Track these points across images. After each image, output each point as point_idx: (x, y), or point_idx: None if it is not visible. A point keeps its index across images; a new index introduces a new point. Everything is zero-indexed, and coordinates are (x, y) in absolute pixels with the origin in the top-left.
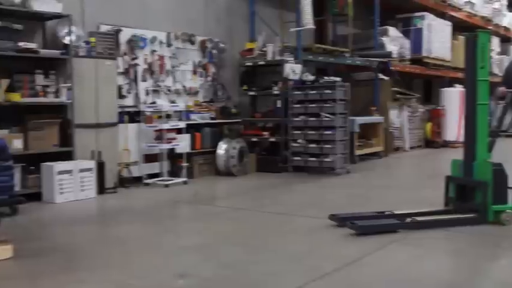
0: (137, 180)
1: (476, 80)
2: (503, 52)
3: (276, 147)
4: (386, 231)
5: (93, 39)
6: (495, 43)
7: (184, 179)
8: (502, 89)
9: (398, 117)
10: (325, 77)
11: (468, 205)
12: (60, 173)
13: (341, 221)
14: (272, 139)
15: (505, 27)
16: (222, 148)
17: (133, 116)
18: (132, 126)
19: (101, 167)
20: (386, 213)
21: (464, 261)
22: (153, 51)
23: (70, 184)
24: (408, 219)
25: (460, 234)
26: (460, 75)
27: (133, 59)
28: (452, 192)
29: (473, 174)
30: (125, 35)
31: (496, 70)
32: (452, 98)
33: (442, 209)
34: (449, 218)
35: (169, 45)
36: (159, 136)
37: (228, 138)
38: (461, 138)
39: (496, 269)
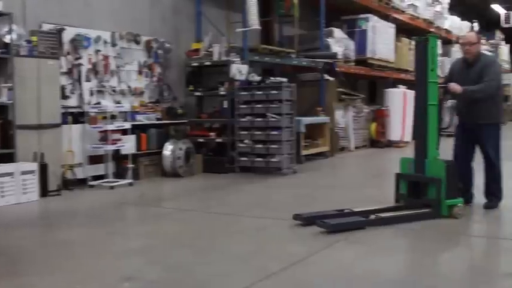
0: (82, 182)
1: (427, 82)
2: (445, 54)
3: (223, 147)
4: (355, 228)
5: (35, 38)
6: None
7: (130, 181)
8: (453, 85)
9: (343, 117)
10: (272, 78)
11: (421, 201)
12: (1, 175)
13: (306, 220)
14: (219, 140)
15: (446, 29)
16: (168, 149)
17: (78, 117)
18: (76, 127)
19: (43, 169)
20: (346, 211)
21: (409, 258)
22: (97, 51)
23: (11, 187)
24: (372, 216)
25: (406, 231)
26: (403, 76)
27: (77, 58)
28: (403, 188)
29: (426, 171)
30: (68, 34)
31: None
32: (396, 98)
33: (394, 206)
34: (408, 213)
35: (114, 45)
36: (104, 137)
37: (174, 139)
38: (405, 138)
39: (439, 265)
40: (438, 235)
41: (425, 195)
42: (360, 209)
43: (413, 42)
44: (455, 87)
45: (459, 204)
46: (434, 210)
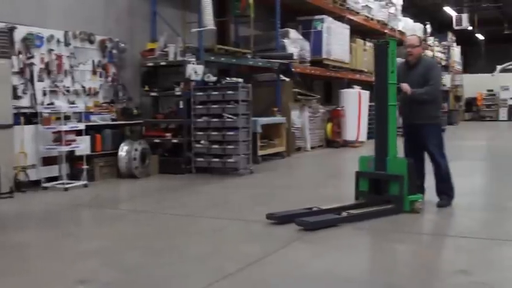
0: (35, 184)
1: (387, 83)
2: (399, 55)
3: (179, 148)
4: (331, 226)
5: None
6: None
7: (85, 182)
8: (405, 86)
9: (299, 117)
10: (228, 78)
11: (382, 197)
12: None
13: (279, 219)
14: (175, 140)
15: (399, 31)
16: (123, 150)
17: (30, 118)
18: (29, 128)
19: None
20: (314, 209)
21: (364, 256)
22: (50, 50)
23: None
24: (344, 213)
25: (361, 230)
26: (358, 76)
27: (29, 58)
28: (363, 186)
29: (387, 169)
30: (19, 33)
31: None
32: (351, 98)
33: (357, 203)
34: (377, 209)
35: (67, 44)
36: (58, 138)
37: (130, 140)
38: (361, 138)
39: (393, 263)
40: (392, 233)
41: (386, 191)
42: (327, 207)
43: (368, 44)
44: (407, 88)
45: (419, 200)
46: (397, 206)
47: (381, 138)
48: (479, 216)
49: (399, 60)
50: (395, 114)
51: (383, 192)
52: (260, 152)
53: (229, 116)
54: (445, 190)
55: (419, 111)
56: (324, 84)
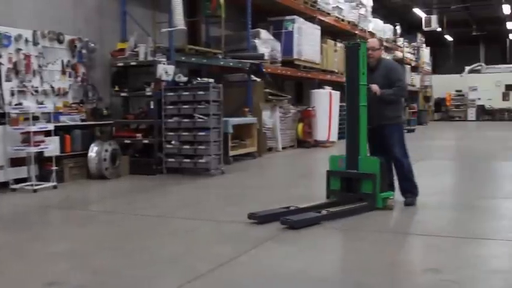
0: (3, 186)
1: (358, 85)
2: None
3: (150, 149)
4: (313, 224)
5: None
6: None
7: (54, 183)
8: (375, 86)
9: (270, 118)
10: (199, 78)
11: (355, 195)
12: None
13: (261, 218)
14: (145, 141)
15: (370, 32)
16: (93, 150)
17: None
18: None
19: None
20: (292, 208)
21: (335, 256)
22: (18, 50)
23: None
24: (324, 211)
25: (331, 230)
26: (329, 77)
27: None
28: (334, 185)
29: (359, 168)
30: None
31: None
32: (322, 99)
33: (329, 201)
34: (353, 207)
35: (35, 43)
36: (26, 139)
37: (100, 141)
38: (332, 138)
39: (364, 262)
40: (364, 232)
41: (358, 190)
42: (304, 206)
43: (339, 44)
44: (377, 88)
45: (391, 197)
46: (370, 203)
47: (353, 138)
48: (449, 215)
49: None
50: (365, 114)
51: (355, 191)
52: (231, 153)
53: (200, 116)
54: (410, 188)
55: (382, 112)
56: (295, 85)
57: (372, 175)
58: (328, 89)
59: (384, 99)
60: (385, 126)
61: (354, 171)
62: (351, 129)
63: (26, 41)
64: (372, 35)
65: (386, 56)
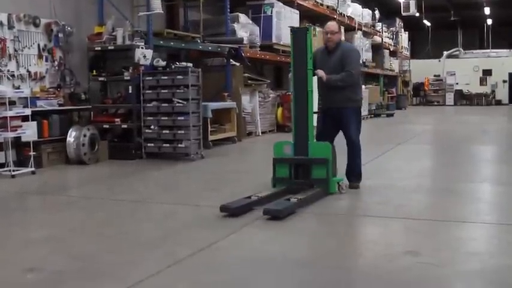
0: None
1: (307, 69)
2: (348, 40)
3: (129, 133)
4: (292, 213)
5: None
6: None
7: (32, 169)
8: (321, 72)
9: (250, 102)
10: (177, 63)
11: (306, 182)
12: None
13: (233, 210)
14: (124, 126)
15: (349, 16)
16: (71, 136)
17: None
18: None
19: None
20: (253, 197)
21: (312, 240)
22: None
23: None
24: (294, 199)
25: (303, 215)
26: None
27: None
28: (281, 172)
29: (309, 153)
30: None
31: None
32: None
33: (281, 189)
34: (315, 193)
35: (11, 27)
36: (3, 124)
37: (78, 126)
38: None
39: (341, 246)
40: (335, 216)
41: (309, 176)
42: (265, 194)
43: (318, 29)
44: (322, 74)
45: (342, 181)
46: (324, 188)
47: (301, 124)
48: (427, 198)
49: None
50: (312, 100)
51: (305, 177)
52: (211, 137)
53: (179, 101)
54: (357, 171)
55: (338, 95)
56: (274, 69)
57: (324, 160)
58: None
59: (331, 85)
60: (343, 109)
61: (304, 157)
62: (299, 115)
63: (1, 24)
64: (351, 19)
65: (365, 41)
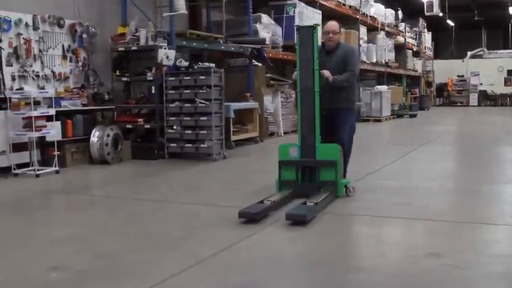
0: (6, 171)
1: (314, 69)
2: (370, 41)
3: (152, 133)
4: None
5: None
6: (362, 32)
7: (56, 168)
8: (327, 72)
9: (272, 102)
10: (200, 63)
11: (314, 185)
12: None
13: (252, 216)
14: (147, 126)
15: (371, 16)
16: (95, 135)
17: None
18: None
19: None
20: (266, 201)
21: (337, 241)
22: (18, 35)
23: None
24: (311, 203)
25: (325, 214)
26: None
27: None
28: (287, 175)
29: (317, 155)
30: None
31: (364, 58)
32: None
33: (289, 192)
34: (327, 197)
35: (36, 28)
36: (28, 124)
37: (102, 126)
38: None
39: (364, 247)
40: (351, 218)
41: (317, 178)
42: (277, 198)
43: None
44: (329, 74)
45: (349, 184)
46: (333, 191)
47: (308, 125)
48: (450, 199)
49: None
50: (319, 100)
51: (313, 180)
52: (233, 138)
53: (202, 101)
54: (343, 171)
55: (337, 95)
56: None
57: (333, 162)
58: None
59: (336, 85)
60: (339, 110)
61: (312, 160)
62: (305, 116)
63: (26, 25)
64: (374, 19)
65: (388, 41)
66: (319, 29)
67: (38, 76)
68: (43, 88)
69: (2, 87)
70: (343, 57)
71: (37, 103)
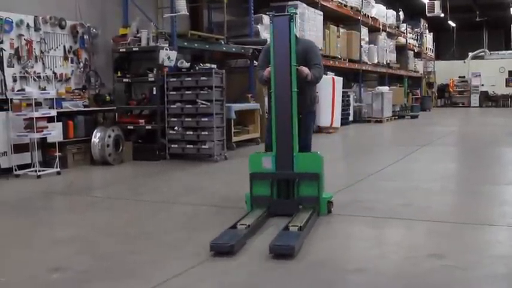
0: (7, 172)
1: (291, 65)
2: (371, 42)
3: (153, 134)
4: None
5: None
6: (364, 33)
7: (58, 169)
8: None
9: None
10: (201, 64)
11: (292, 202)
12: None
13: (228, 249)
14: (148, 127)
15: (373, 17)
16: (96, 136)
17: (0, 104)
18: None
19: None
20: (239, 226)
21: (334, 242)
22: (20, 35)
23: None
24: (293, 228)
25: (326, 216)
26: (331, 63)
27: None
28: (259, 190)
29: (295, 167)
30: None
31: (365, 59)
32: (325, 85)
33: (264, 211)
34: (310, 216)
35: (37, 29)
36: (29, 125)
37: (103, 127)
38: (335, 124)
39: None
40: (352, 218)
41: (296, 193)
42: (251, 222)
43: (342, 30)
44: (308, 71)
45: (332, 198)
46: (315, 208)
47: (284, 131)
48: (452, 200)
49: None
50: (297, 102)
51: (291, 195)
52: (234, 139)
53: (203, 102)
54: None
55: (301, 98)
56: None
57: (314, 175)
58: (331, 75)
59: (312, 82)
60: (303, 113)
61: (290, 172)
62: (281, 121)
63: (28, 26)
64: (375, 20)
65: (389, 42)
66: (297, 18)
67: (39, 77)
68: (44, 89)
69: (4, 88)
70: (304, 52)
71: (38, 104)
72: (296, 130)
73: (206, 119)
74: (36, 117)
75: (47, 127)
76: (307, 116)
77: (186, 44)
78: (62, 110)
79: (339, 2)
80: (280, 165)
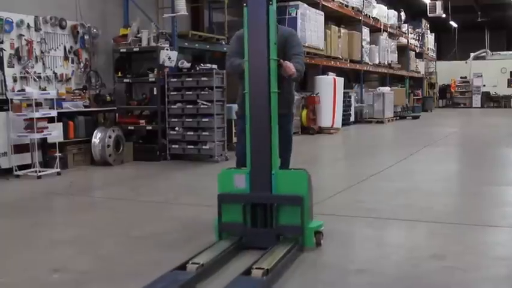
0: (7, 172)
1: (268, 60)
2: (373, 42)
3: (154, 135)
4: None
5: None
6: (365, 33)
7: (58, 170)
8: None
9: None
10: (202, 64)
11: (270, 231)
12: None
13: None
14: (149, 127)
15: (374, 18)
16: (97, 137)
17: (1, 105)
18: None
19: None
20: (189, 266)
21: (334, 242)
22: (20, 36)
23: None
24: (256, 271)
25: (326, 216)
26: (333, 63)
27: None
28: (230, 216)
29: (274, 187)
30: None
31: (366, 59)
32: (326, 85)
33: (232, 244)
34: (284, 257)
35: (37, 29)
36: (30, 125)
37: (103, 127)
38: (336, 125)
39: (367, 250)
40: (352, 219)
41: (275, 221)
42: (206, 259)
43: (343, 31)
44: (291, 66)
45: (322, 228)
46: (299, 242)
47: (260, 144)
48: (453, 201)
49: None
50: (277, 105)
51: (268, 223)
52: (235, 139)
53: (204, 102)
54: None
55: (280, 96)
56: None
57: (298, 198)
58: (332, 76)
59: (294, 78)
60: (284, 115)
61: (267, 194)
62: (257, 128)
63: (28, 26)
64: (376, 21)
65: (390, 43)
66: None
67: (39, 77)
68: (45, 89)
69: (4, 88)
70: (284, 41)
71: (39, 104)
72: (276, 140)
73: (207, 120)
74: (36, 118)
75: (47, 127)
76: (286, 118)
77: (186, 44)
78: (62, 111)
79: (340, 3)
80: (255, 185)
